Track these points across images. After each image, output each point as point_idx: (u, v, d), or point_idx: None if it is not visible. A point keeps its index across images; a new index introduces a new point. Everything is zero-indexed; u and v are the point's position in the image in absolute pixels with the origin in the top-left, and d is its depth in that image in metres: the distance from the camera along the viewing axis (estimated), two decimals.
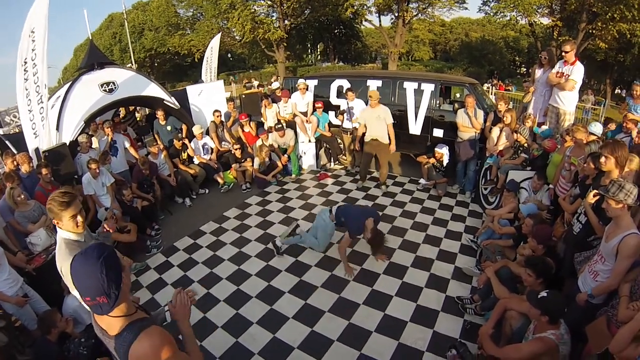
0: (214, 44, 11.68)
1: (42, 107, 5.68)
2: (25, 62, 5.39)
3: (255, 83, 23.08)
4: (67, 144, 6.32)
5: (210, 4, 28.55)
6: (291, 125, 8.79)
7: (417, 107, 8.02)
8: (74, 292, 2.88)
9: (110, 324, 1.69)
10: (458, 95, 9.31)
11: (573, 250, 3.67)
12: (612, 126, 5.13)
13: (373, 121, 7.16)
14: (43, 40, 5.40)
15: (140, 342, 1.62)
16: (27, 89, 5.51)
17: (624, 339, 2.34)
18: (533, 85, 6.93)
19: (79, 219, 2.76)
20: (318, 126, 8.69)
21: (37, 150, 5.90)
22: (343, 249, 5.03)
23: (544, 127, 6.15)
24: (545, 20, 23.62)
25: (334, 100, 9.10)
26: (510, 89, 23.67)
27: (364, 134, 7.55)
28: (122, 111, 10.10)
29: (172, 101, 8.41)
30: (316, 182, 8.31)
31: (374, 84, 8.48)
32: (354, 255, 5.43)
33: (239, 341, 3.95)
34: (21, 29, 5.27)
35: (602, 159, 3.48)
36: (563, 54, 5.88)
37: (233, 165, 8.20)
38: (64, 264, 2.80)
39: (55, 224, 2.79)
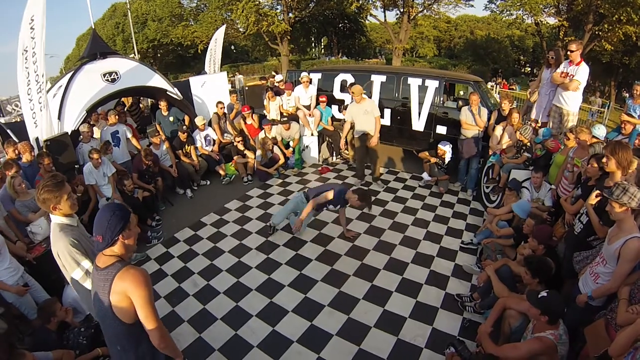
0: (218, 35, 11.65)
1: (41, 97, 5.66)
2: (26, 51, 5.36)
3: (240, 77, 21.39)
4: (69, 134, 6.31)
5: None
6: (294, 118, 8.77)
7: (420, 104, 7.99)
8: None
9: (104, 261, 2.04)
10: (462, 92, 9.27)
11: (573, 250, 3.66)
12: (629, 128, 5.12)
13: (361, 116, 7.11)
14: (41, 28, 5.38)
15: (127, 270, 1.99)
16: (27, 78, 5.49)
17: (624, 342, 2.34)
18: (532, 85, 6.94)
19: (74, 197, 2.92)
20: (321, 120, 8.66)
21: (37, 139, 5.89)
22: (343, 217, 5.68)
23: (542, 130, 6.12)
24: (552, 20, 23.51)
25: (337, 94, 9.06)
26: (514, 88, 23.59)
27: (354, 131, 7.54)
28: (128, 101, 10.10)
29: (174, 92, 8.39)
30: (318, 176, 8.31)
31: (378, 79, 8.45)
32: (354, 250, 5.44)
33: (238, 334, 3.96)
34: (21, 17, 5.26)
35: (604, 160, 3.48)
36: (568, 53, 5.84)
37: (235, 157, 8.19)
38: (59, 247, 2.83)
39: (51, 212, 2.80)
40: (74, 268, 2.86)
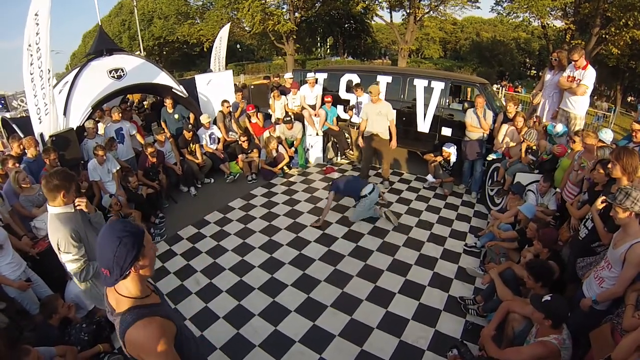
0: (223, 34, 11.66)
1: (45, 93, 5.66)
2: (30, 46, 5.36)
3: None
4: (74, 129, 6.31)
5: None
6: (299, 117, 8.77)
7: (426, 105, 7.96)
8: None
9: (118, 301, 1.69)
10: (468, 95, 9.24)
11: (577, 255, 3.64)
12: None
13: (374, 117, 7.10)
14: (46, 24, 5.38)
15: (136, 328, 1.60)
16: (32, 74, 5.49)
17: (628, 347, 2.32)
18: (535, 88, 6.90)
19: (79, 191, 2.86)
20: (326, 120, 8.66)
21: (42, 135, 5.89)
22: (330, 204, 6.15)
23: (560, 126, 6.00)
24: (559, 23, 23.48)
25: (343, 94, 9.05)
26: (520, 90, 23.54)
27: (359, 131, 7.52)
28: (136, 98, 10.12)
29: (180, 89, 8.39)
30: (322, 176, 8.29)
31: (384, 80, 8.41)
32: (358, 251, 5.43)
33: (240, 332, 3.95)
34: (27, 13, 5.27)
35: (609, 165, 3.45)
36: (573, 62, 5.82)
37: (239, 156, 8.19)
38: (60, 236, 2.85)
39: (52, 202, 2.79)
40: (68, 253, 2.91)
